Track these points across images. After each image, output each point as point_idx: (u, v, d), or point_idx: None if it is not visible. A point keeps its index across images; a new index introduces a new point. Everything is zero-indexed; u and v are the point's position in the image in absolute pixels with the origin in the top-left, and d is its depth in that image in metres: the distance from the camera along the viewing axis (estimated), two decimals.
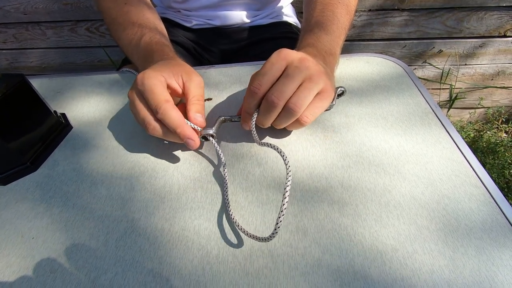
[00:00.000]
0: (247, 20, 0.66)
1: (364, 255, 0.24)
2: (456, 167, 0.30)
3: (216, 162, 0.33)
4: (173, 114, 0.30)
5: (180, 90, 0.34)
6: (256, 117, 0.31)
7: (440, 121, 0.35)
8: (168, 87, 0.33)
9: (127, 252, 0.26)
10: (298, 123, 0.31)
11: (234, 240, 0.26)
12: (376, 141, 0.33)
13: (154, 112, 0.31)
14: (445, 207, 0.27)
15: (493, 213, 0.26)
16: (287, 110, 0.29)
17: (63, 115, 0.42)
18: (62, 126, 0.39)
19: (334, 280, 0.23)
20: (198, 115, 0.32)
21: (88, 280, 0.24)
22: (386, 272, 0.23)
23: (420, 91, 0.39)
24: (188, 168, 0.33)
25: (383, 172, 0.30)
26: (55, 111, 0.40)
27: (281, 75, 0.30)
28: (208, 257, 0.25)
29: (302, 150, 0.33)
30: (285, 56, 0.30)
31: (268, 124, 0.32)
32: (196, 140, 0.31)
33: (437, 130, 0.34)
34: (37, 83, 0.49)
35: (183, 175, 0.32)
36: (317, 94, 0.30)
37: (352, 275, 0.23)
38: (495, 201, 0.27)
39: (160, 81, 0.31)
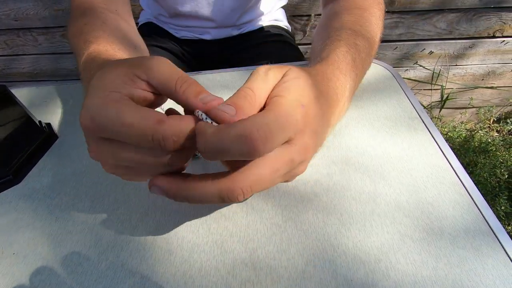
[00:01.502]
0: (238, 32, 0.66)
1: (347, 266, 0.24)
2: (441, 174, 0.30)
3: (198, 173, 0.33)
4: (183, 123, 0.18)
5: (150, 97, 0.21)
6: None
7: (426, 126, 0.35)
8: (132, 98, 0.20)
9: (110, 267, 0.26)
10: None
11: (217, 252, 0.26)
12: (362, 147, 0.33)
13: (159, 146, 0.18)
14: (429, 215, 0.27)
15: (477, 221, 0.26)
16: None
17: (48, 124, 0.41)
18: (46, 136, 0.39)
19: None
20: (203, 96, 0.20)
21: None
22: (369, 284, 0.23)
23: (407, 95, 0.39)
24: None
25: (368, 180, 0.30)
26: (40, 121, 0.39)
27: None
28: (191, 271, 0.25)
29: None
30: (297, 128, 0.19)
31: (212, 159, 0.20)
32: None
33: (423, 136, 0.34)
34: (24, 92, 0.48)
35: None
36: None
37: (335, 286, 0.23)
38: (479, 209, 0.27)
39: (119, 102, 0.18)
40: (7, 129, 0.34)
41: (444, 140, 0.33)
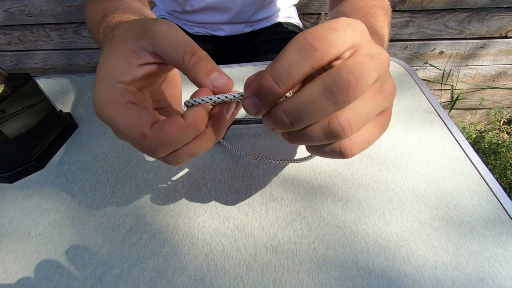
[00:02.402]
0: (250, 29, 0.67)
1: (367, 251, 0.24)
2: (458, 165, 0.30)
3: (219, 161, 0.34)
4: (171, 136, 0.17)
5: (155, 70, 0.20)
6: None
7: (442, 120, 0.35)
8: (136, 80, 0.19)
9: (133, 249, 0.26)
10: (335, 153, 0.18)
11: (238, 236, 0.26)
12: (379, 139, 0.34)
13: (150, 154, 0.19)
14: (448, 204, 0.27)
15: (496, 210, 0.26)
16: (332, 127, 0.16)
17: (69, 114, 0.42)
18: (67, 125, 0.40)
19: (338, 276, 0.23)
20: (214, 76, 0.18)
21: (94, 276, 0.25)
22: (390, 268, 0.23)
23: (422, 90, 0.40)
24: (193, 166, 0.33)
25: (385, 170, 0.30)
26: (60, 110, 0.40)
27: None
28: (213, 253, 0.25)
29: (305, 148, 0.34)
30: (361, 31, 0.17)
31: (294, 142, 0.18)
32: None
33: (439, 129, 0.34)
34: (43, 83, 0.49)
35: (187, 173, 0.32)
36: (379, 114, 0.18)
37: (356, 271, 0.23)
38: (497, 198, 0.27)
39: (114, 102, 0.18)
40: (32, 116, 0.35)
41: (460, 133, 0.33)
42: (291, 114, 0.16)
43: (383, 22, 0.37)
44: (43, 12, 1.08)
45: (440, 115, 0.36)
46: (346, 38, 0.16)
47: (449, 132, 0.34)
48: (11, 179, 0.34)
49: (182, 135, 0.18)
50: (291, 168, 0.32)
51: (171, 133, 0.17)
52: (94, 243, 0.27)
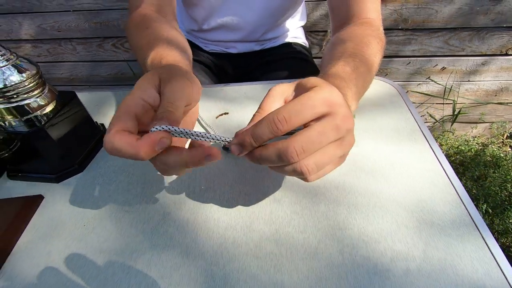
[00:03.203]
0: (260, 47, 0.74)
1: (352, 245, 0.30)
2: (435, 177, 0.35)
3: (231, 168, 0.39)
4: (122, 142, 0.23)
5: (156, 102, 0.26)
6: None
7: (425, 137, 0.40)
8: (147, 104, 0.26)
9: (161, 238, 0.32)
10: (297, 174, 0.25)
11: (246, 231, 0.32)
12: (368, 152, 0.39)
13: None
14: (422, 209, 0.32)
15: (462, 215, 0.31)
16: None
17: (102, 125, 0.49)
18: (102, 134, 0.47)
19: (327, 264, 0.28)
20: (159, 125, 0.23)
21: (131, 259, 0.31)
22: (369, 258, 0.28)
23: (410, 111, 0.45)
24: (208, 172, 0.39)
25: (372, 179, 0.36)
26: (96, 121, 0.47)
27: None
28: (226, 244, 0.31)
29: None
30: (330, 103, 0.24)
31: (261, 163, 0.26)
32: (164, 135, 0.24)
33: (422, 145, 0.39)
34: (79, 97, 0.57)
35: (204, 178, 0.38)
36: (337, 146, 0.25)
37: (341, 260, 0.29)
38: (464, 205, 0.32)
39: (127, 106, 0.25)
40: (75, 128, 0.42)
41: (439, 149, 0.38)
42: (257, 160, 0.25)
43: (375, 49, 0.42)
44: (71, 28, 1.18)
45: (424, 134, 0.41)
46: (310, 113, 0.23)
47: (430, 148, 0.39)
48: (58, 180, 0.40)
49: (126, 151, 0.23)
50: (292, 177, 0.37)
51: (142, 150, 0.23)
52: (129, 233, 0.33)
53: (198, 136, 0.25)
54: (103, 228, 0.34)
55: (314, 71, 0.71)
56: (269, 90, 0.29)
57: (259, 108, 0.28)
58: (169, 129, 0.24)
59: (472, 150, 1.15)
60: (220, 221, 0.33)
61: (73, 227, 0.35)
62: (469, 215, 0.31)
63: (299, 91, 0.28)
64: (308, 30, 1.11)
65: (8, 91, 0.34)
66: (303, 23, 0.79)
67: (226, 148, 0.40)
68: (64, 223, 0.35)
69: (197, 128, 0.46)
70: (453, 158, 1.17)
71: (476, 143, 1.20)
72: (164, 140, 0.23)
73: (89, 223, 0.35)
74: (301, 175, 0.25)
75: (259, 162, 0.25)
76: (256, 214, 0.34)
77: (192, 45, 0.76)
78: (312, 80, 0.27)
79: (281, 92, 0.29)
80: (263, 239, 0.31)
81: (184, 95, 0.26)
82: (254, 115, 0.28)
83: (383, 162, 0.38)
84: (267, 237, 0.31)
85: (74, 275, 0.30)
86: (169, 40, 0.41)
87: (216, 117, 0.48)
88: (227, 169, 0.39)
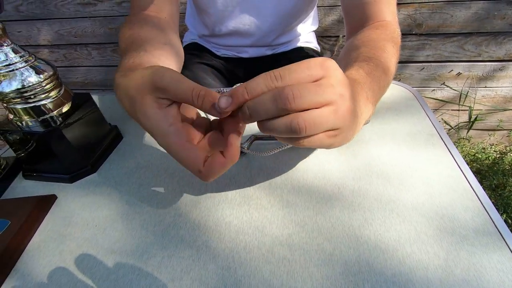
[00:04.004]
0: (272, 52, 0.74)
1: (368, 252, 0.29)
2: (455, 183, 0.34)
3: (243, 172, 0.39)
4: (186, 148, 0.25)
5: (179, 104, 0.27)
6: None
7: (444, 142, 0.39)
8: (176, 116, 0.26)
9: (171, 241, 0.32)
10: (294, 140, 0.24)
11: (258, 235, 0.31)
12: (384, 157, 0.38)
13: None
14: (443, 216, 0.31)
15: (485, 224, 0.29)
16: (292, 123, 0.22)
17: (115, 127, 0.49)
18: (115, 136, 0.47)
19: (342, 271, 0.27)
20: (217, 106, 0.23)
21: (141, 261, 0.30)
22: (387, 267, 0.27)
23: (427, 114, 0.44)
24: (220, 176, 0.38)
25: (389, 184, 0.35)
26: (109, 123, 0.48)
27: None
28: (237, 248, 0.30)
29: (319, 163, 0.39)
30: (326, 67, 0.23)
31: (256, 118, 0.24)
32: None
33: (440, 150, 0.38)
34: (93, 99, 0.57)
35: (216, 181, 0.38)
36: (330, 130, 0.24)
37: (358, 268, 0.27)
38: (487, 213, 0.30)
39: (177, 142, 0.25)
40: (89, 129, 0.42)
41: (459, 154, 0.37)
42: (248, 110, 0.23)
43: (390, 53, 0.42)
44: (87, 33, 1.21)
45: (442, 138, 0.40)
46: (307, 74, 0.22)
47: (449, 153, 0.37)
48: (71, 180, 0.41)
49: (224, 168, 0.25)
50: (305, 180, 0.36)
51: (217, 168, 0.25)
52: (139, 235, 0.33)
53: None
54: (114, 229, 0.34)
55: None
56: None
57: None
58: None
59: (490, 158, 1.11)
60: (232, 225, 0.33)
61: (85, 227, 0.34)
62: (493, 223, 0.29)
63: None
64: (320, 35, 1.10)
65: (26, 92, 0.35)
66: (315, 27, 0.79)
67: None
68: (76, 223, 0.35)
69: None
70: (470, 166, 1.13)
71: (494, 150, 1.16)
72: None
73: (101, 223, 0.35)
74: (295, 132, 0.23)
75: (250, 114, 0.23)
76: (268, 219, 0.33)
77: (204, 49, 0.76)
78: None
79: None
80: (275, 244, 0.30)
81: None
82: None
83: (400, 167, 0.37)
84: (279, 242, 0.30)
85: (84, 275, 0.30)
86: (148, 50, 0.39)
87: None
88: (238, 173, 0.39)
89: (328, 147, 0.26)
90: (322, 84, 0.22)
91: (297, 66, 0.23)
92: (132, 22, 0.45)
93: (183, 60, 0.48)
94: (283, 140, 0.25)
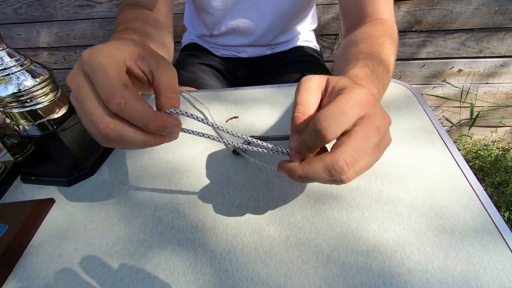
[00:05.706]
0: (271, 52, 0.74)
1: (366, 254, 0.28)
2: (455, 183, 0.33)
3: (241, 173, 0.39)
4: (138, 104, 0.22)
5: (144, 79, 0.26)
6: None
7: (443, 140, 0.39)
8: (128, 72, 0.24)
9: (169, 244, 0.32)
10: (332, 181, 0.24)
11: (256, 237, 0.31)
12: (383, 156, 0.37)
13: (106, 102, 0.22)
14: (442, 216, 0.30)
15: (485, 223, 0.29)
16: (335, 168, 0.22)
17: None
18: None
19: (340, 273, 0.27)
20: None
21: (139, 264, 0.30)
22: (386, 269, 0.27)
23: (426, 112, 0.43)
24: (218, 177, 0.38)
25: (387, 184, 0.34)
26: None
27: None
28: (235, 250, 0.30)
29: None
30: (366, 104, 0.23)
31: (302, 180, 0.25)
32: (179, 124, 0.24)
33: (439, 149, 0.38)
34: None
35: (213, 183, 0.38)
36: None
37: (355, 270, 0.27)
38: (488, 212, 0.30)
39: (116, 60, 0.23)
40: (86, 132, 0.42)
41: (459, 153, 0.36)
42: (301, 178, 0.24)
43: (389, 50, 0.41)
44: (86, 35, 1.21)
45: (442, 136, 0.39)
46: (352, 117, 0.23)
47: (449, 152, 0.37)
48: (69, 183, 0.41)
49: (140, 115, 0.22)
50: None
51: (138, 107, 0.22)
52: (137, 237, 0.33)
53: (211, 137, 0.26)
54: (111, 232, 0.34)
55: (326, 75, 0.70)
56: (301, 82, 0.27)
57: (297, 103, 0.26)
58: (186, 113, 0.25)
59: (492, 155, 1.10)
60: (229, 227, 0.32)
61: (82, 230, 0.34)
62: (493, 223, 0.29)
63: (330, 90, 0.27)
64: (319, 33, 1.10)
65: (22, 96, 0.35)
66: (314, 26, 0.78)
67: (236, 152, 0.39)
68: (74, 227, 0.35)
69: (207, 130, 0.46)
70: (472, 163, 1.12)
71: (496, 147, 1.15)
72: (176, 129, 0.24)
73: (99, 227, 0.35)
74: (338, 183, 0.24)
75: (302, 180, 0.24)
76: (266, 220, 0.33)
77: (203, 49, 0.76)
78: (341, 82, 0.26)
79: (317, 84, 0.27)
80: (273, 246, 0.30)
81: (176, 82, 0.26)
82: (295, 114, 0.26)
83: (398, 166, 0.36)
84: (277, 244, 0.30)
85: (82, 279, 0.30)
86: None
87: (226, 121, 0.47)
88: (236, 174, 0.39)
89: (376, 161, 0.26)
90: (369, 135, 0.23)
91: (338, 109, 0.22)
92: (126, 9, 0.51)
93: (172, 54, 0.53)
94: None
